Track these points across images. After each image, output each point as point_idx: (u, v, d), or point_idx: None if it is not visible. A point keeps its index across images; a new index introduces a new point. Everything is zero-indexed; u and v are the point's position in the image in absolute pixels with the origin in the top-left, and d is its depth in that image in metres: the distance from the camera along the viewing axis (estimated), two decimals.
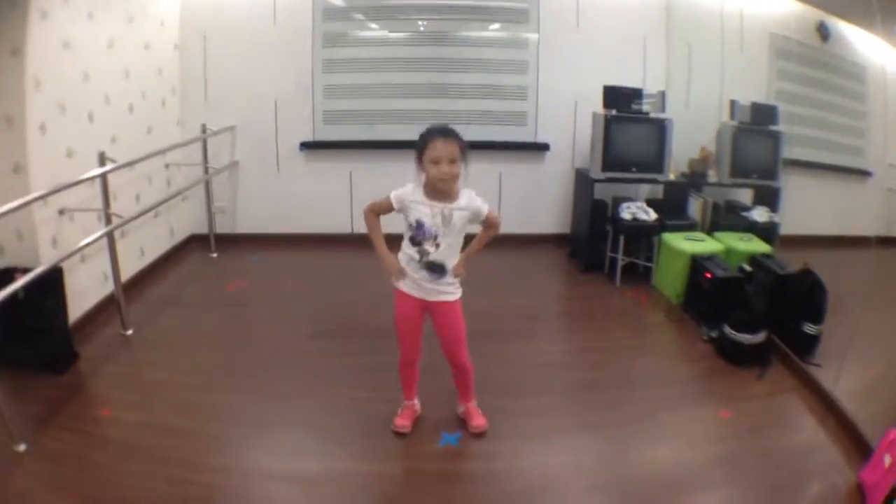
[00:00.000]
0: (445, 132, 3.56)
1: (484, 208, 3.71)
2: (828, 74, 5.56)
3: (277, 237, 7.93)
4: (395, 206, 3.70)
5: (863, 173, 5.06)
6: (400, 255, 3.81)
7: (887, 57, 4.71)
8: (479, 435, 4.10)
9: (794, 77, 5.97)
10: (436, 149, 3.50)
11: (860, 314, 4.61)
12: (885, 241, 4.43)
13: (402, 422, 4.12)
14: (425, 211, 3.62)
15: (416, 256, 3.71)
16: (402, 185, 3.72)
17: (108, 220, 5.20)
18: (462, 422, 4.21)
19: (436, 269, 3.72)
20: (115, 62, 5.89)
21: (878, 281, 4.50)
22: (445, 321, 3.88)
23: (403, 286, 3.84)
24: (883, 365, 4.33)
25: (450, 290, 3.84)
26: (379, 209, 3.80)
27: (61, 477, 3.58)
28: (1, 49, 4.53)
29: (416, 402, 4.23)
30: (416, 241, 3.70)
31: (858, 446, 3.87)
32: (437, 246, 3.67)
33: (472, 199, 3.68)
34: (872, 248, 4.46)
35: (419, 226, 3.64)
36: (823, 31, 5.45)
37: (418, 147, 3.59)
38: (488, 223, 3.83)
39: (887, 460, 3.34)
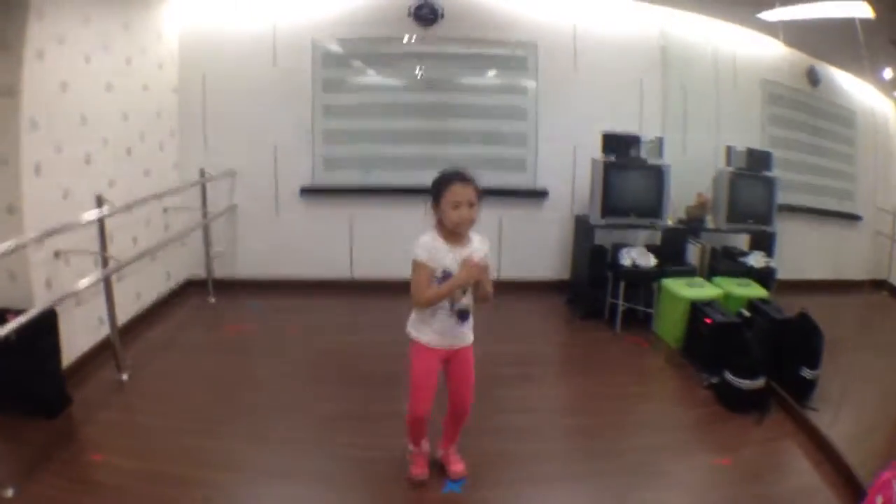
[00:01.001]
0: (464, 176, 3.57)
1: (487, 250, 3.73)
2: (818, 119, 5.64)
3: (277, 282, 7.89)
4: (428, 261, 3.61)
5: (853, 217, 5.08)
6: (426, 311, 3.74)
7: (875, 101, 4.75)
8: (460, 479, 4.09)
9: (786, 123, 6.03)
10: (456, 193, 3.51)
11: (854, 358, 4.63)
12: (877, 285, 4.44)
13: (419, 470, 4.05)
14: (449, 257, 3.60)
15: (447, 305, 3.67)
16: (415, 235, 3.67)
17: (105, 263, 5.18)
18: (468, 467, 4.16)
19: (464, 315, 3.72)
20: (114, 104, 5.91)
21: (869, 324, 4.51)
22: (463, 365, 3.86)
23: (426, 338, 3.77)
24: (875, 405, 4.33)
25: (471, 333, 3.83)
26: (426, 282, 3.63)
27: None
28: None
29: (425, 446, 4.13)
30: None
31: (853, 489, 3.86)
32: (465, 292, 3.66)
33: (482, 240, 3.71)
34: (865, 291, 4.47)
35: (446, 275, 3.60)
36: (813, 77, 5.50)
37: (435, 190, 3.60)
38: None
39: (879, 501, 3.32)
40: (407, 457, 4.12)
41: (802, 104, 5.77)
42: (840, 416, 4.43)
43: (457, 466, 4.12)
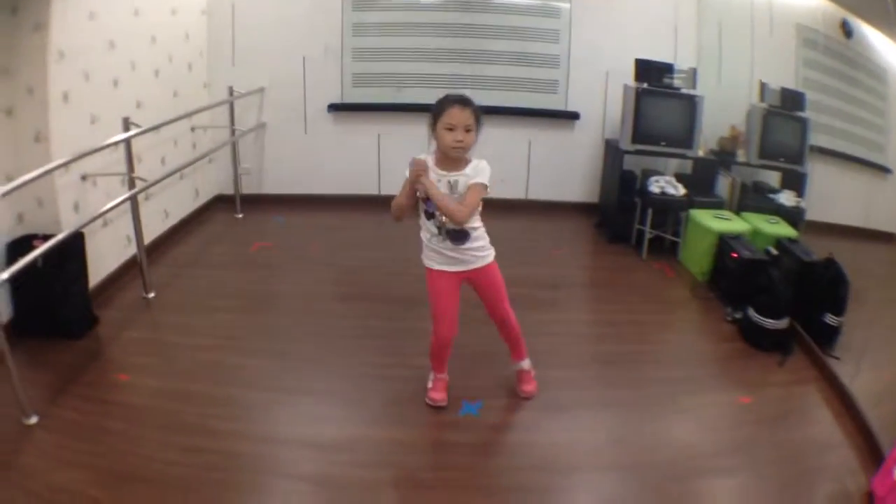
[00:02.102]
0: (462, 100, 3.54)
1: (479, 177, 3.61)
2: (851, 69, 5.47)
3: (303, 198, 7.93)
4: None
5: (883, 169, 4.97)
6: (422, 235, 3.78)
7: None
8: (526, 399, 4.16)
9: (820, 67, 5.87)
10: (451, 116, 3.48)
11: (880, 311, 4.54)
12: None
13: (439, 395, 4.08)
14: (432, 177, 3.58)
15: (435, 229, 3.68)
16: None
17: (132, 184, 5.19)
18: (483, 390, 4.23)
19: (458, 236, 3.68)
20: (142, 29, 5.87)
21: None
22: (489, 283, 3.87)
23: (435, 264, 3.79)
24: None
25: (485, 253, 3.82)
26: (401, 195, 3.69)
27: (74, 450, 3.55)
28: (24, 25, 4.49)
29: (446, 374, 4.17)
30: (429, 214, 3.68)
31: (872, 449, 3.80)
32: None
33: (478, 169, 3.63)
34: (894, 244, 4.39)
35: (428, 198, 3.60)
36: (847, 29, 5.36)
37: (433, 113, 3.58)
38: (467, 192, 3.62)
39: None
40: (428, 383, 4.15)
41: (836, 52, 5.62)
42: (862, 369, 4.36)
43: (527, 387, 4.21)
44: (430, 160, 3.64)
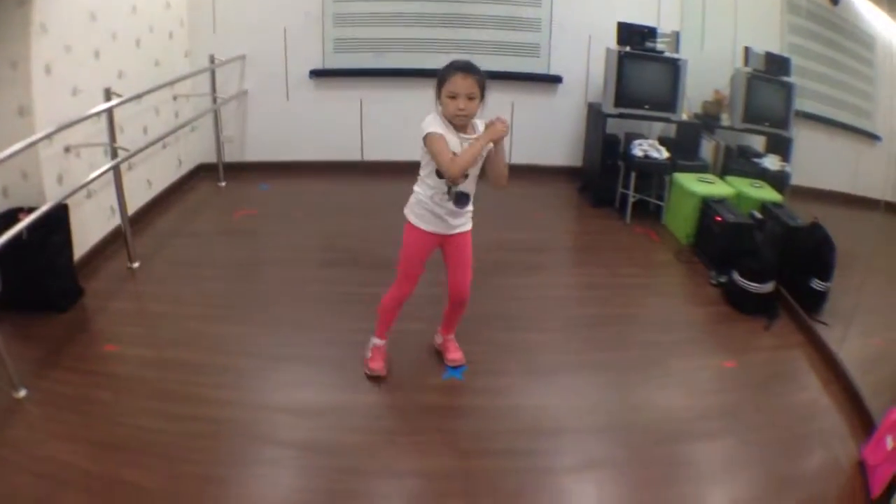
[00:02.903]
0: (467, 67, 3.50)
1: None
2: (837, 35, 5.47)
3: (287, 165, 7.90)
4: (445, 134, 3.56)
5: (871, 136, 4.98)
6: (418, 191, 3.75)
7: (895, 33, 4.63)
8: (458, 367, 4.16)
9: (805, 32, 5.87)
10: (455, 83, 3.45)
11: (867, 277, 4.54)
12: (892, 207, 4.36)
13: (377, 364, 4.08)
14: (455, 141, 3.55)
15: (444, 188, 3.65)
16: (421, 117, 3.62)
17: (115, 154, 5.17)
18: (468, 355, 4.23)
19: (462, 200, 3.70)
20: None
21: (885, 246, 4.42)
22: (459, 252, 3.86)
23: (423, 223, 3.77)
24: (888, 336, 4.26)
25: (468, 220, 3.83)
26: (448, 152, 3.53)
27: (62, 422, 3.57)
28: (8, 0, 4.45)
29: (386, 341, 4.16)
30: (440, 173, 3.63)
31: (861, 416, 3.81)
32: (466, 176, 3.62)
33: (482, 124, 3.60)
34: (882, 211, 4.38)
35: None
36: None
37: (438, 79, 3.55)
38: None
39: (889, 442, 3.26)
40: (367, 352, 4.15)
41: (822, 18, 5.61)
42: (850, 336, 4.37)
43: (455, 354, 4.20)
44: (441, 122, 3.58)
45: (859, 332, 4.39)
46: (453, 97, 3.47)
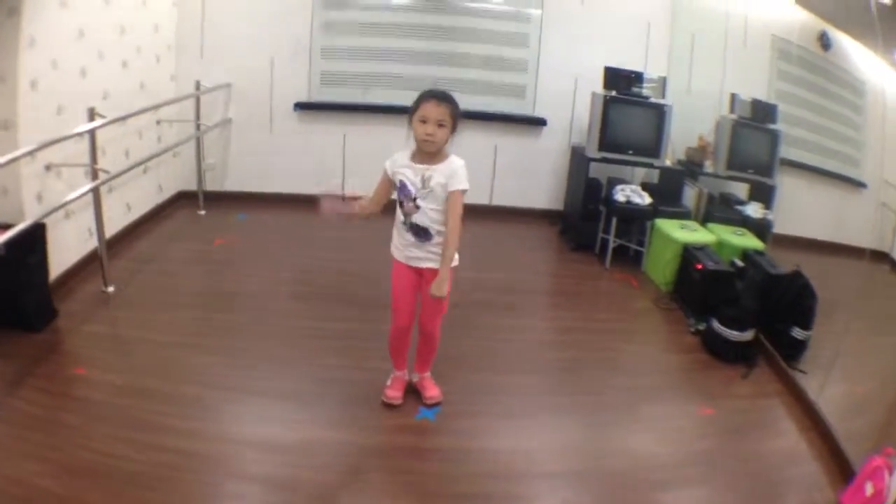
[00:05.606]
0: (441, 95, 3.59)
1: (456, 182, 3.61)
2: (827, 82, 5.52)
3: (267, 196, 7.86)
4: (389, 170, 3.74)
5: (858, 184, 5.00)
6: (395, 222, 3.83)
7: (887, 78, 4.65)
8: (435, 405, 4.13)
9: (794, 80, 5.92)
10: (427, 109, 3.54)
11: (848, 325, 4.55)
12: (877, 256, 4.37)
13: (394, 393, 4.12)
14: (408, 173, 3.65)
15: (402, 218, 3.74)
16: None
17: (95, 176, 5.13)
18: (443, 395, 4.20)
19: (420, 233, 3.71)
20: (111, 18, 5.81)
21: (868, 295, 4.43)
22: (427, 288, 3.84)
23: (397, 252, 3.85)
24: (869, 384, 4.26)
25: (434, 257, 3.78)
26: (378, 188, 3.84)
27: (30, 441, 3.52)
28: None
29: (405, 372, 4.21)
30: (400, 203, 3.73)
31: (840, 464, 3.80)
32: (418, 207, 3.65)
33: (454, 168, 3.63)
34: (866, 260, 4.39)
35: (402, 186, 3.69)
36: (825, 41, 5.40)
37: (413, 105, 3.62)
38: (449, 201, 3.65)
39: (869, 489, 3.25)
40: (388, 381, 4.18)
41: (812, 64, 5.66)
42: (829, 384, 4.36)
43: (432, 391, 4.18)
44: (408, 154, 3.70)
45: (839, 380, 4.39)
46: (423, 122, 3.53)
